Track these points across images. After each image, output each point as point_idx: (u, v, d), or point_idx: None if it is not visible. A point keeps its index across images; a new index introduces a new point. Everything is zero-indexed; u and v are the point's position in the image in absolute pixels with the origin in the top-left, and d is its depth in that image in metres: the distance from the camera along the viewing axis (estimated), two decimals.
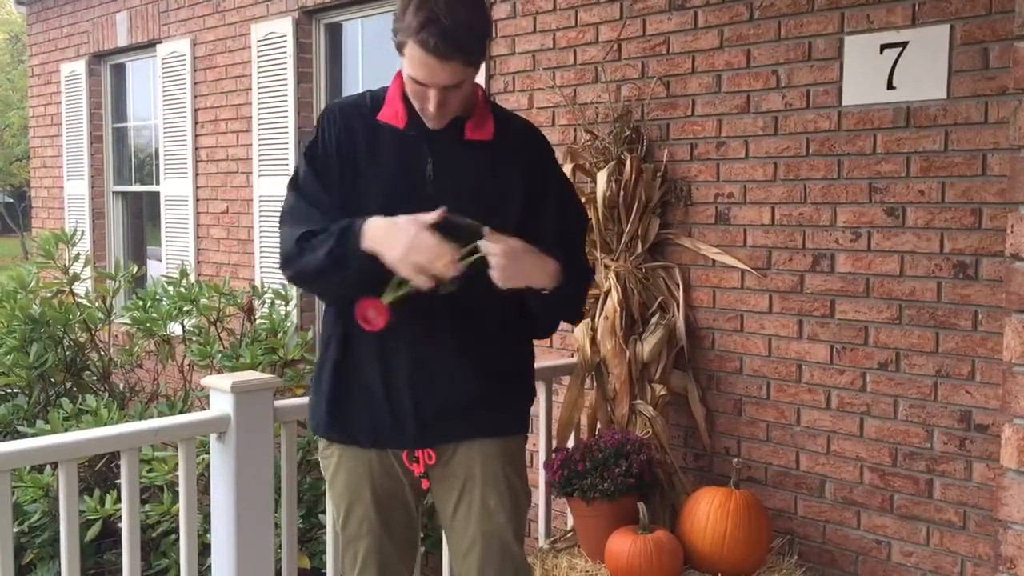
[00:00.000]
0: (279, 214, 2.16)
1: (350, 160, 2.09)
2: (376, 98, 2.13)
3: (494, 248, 1.94)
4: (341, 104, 2.18)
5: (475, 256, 1.93)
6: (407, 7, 1.91)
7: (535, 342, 2.33)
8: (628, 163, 3.37)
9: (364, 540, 2.20)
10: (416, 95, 2.01)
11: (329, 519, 2.75)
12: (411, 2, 1.91)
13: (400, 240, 1.93)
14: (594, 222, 3.40)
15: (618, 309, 3.33)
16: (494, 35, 3.99)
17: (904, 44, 2.86)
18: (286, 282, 4.45)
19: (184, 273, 4.33)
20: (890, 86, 2.90)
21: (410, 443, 2.14)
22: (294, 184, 2.14)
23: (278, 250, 2.15)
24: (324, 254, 1.99)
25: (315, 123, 2.18)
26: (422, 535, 2.51)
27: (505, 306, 2.12)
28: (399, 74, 2.11)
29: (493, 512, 2.14)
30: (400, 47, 1.96)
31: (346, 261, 1.98)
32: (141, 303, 4.18)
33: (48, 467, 3.36)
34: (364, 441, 2.16)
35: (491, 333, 2.12)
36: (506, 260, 1.94)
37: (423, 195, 2.05)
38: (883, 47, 2.90)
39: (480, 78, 4.02)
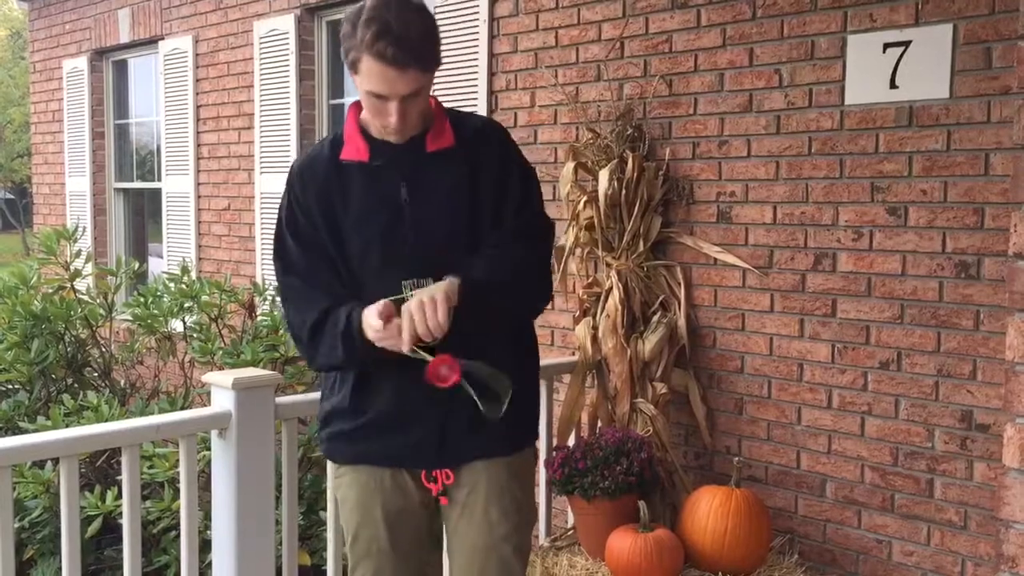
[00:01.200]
0: (279, 294, 2.18)
1: (326, 210, 2.09)
2: (335, 141, 2.14)
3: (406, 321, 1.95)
4: (300, 163, 2.18)
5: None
6: (356, 23, 1.91)
7: (537, 341, 2.32)
8: (630, 161, 3.37)
9: (373, 560, 2.17)
10: (376, 111, 2.00)
11: (330, 514, 2.75)
12: (360, 17, 1.91)
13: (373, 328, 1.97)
14: (596, 220, 3.40)
15: (619, 307, 3.33)
16: (496, 33, 3.99)
17: (907, 43, 2.86)
18: None
19: (185, 270, 4.32)
20: (893, 85, 2.90)
21: (431, 463, 2.14)
22: (282, 259, 2.15)
23: (292, 337, 2.22)
24: (341, 359, 2.07)
25: (284, 189, 2.17)
26: None
27: (505, 329, 2.14)
28: (352, 108, 2.13)
29: (495, 525, 2.13)
30: (354, 64, 1.95)
31: (362, 361, 2.06)
32: (142, 300, 4.18)
33: (49, 463, 3.36)
34: (380, 462, 2.16)
35: (499, 354, 2.09)
36: (419, 316, 1.92)
37: (403, 219, 2.07)
38: (886, 46, 2.90)
39: (482, 76, 4.02)
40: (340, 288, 2.09)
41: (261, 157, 5.30)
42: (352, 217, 2.08)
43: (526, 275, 2.14)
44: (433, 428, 2.11)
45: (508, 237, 2.10)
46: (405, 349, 1.94)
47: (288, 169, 2.20)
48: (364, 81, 1.95)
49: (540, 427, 3.30)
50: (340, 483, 2.24)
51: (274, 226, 2.19)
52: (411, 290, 2.02)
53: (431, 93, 2.09)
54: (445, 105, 2.16)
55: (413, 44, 1.90)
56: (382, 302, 1.96)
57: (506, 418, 2.06)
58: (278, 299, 4.19)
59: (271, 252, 2.19)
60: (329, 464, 2.30)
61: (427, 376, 1.95)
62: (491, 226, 2.08)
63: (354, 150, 2.09)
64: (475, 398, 1.97)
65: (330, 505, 2.75)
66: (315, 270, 2.10)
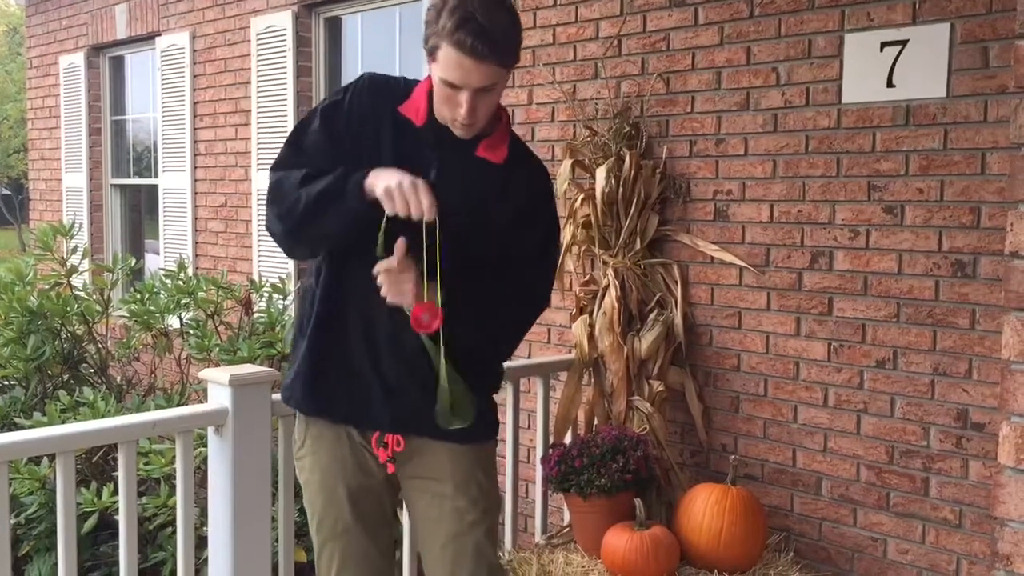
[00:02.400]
0: (279, 154, 2.11)
1: (359, 136, 2.07)
2: (404, 90, 2.12)
3: (384, 264, 1.95)
4: (373, 79, 2.14)
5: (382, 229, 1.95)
6: (441, 10, 1.90)
7: (530, 337, 2.32)
8: (627, 159, 3.37)
9: (340, 539, 2.18)
10: (447, 100, 1.98)
11: None
12: (444, 5, 1.90)
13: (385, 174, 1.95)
14: (593, 218, 3.40)
15: (616, 305, 3.33)
16: None
17: (904, 42, 2.86)
18: (284, 275, 4.45)
19: (182, 266, 4.31)
20: (890, 84, 2.90)
21: (384, 425, 2.13)
22: (297, 136, 2.11)
23: (267, 195, 2.10)
24: (323, 185, 1.98)
25: (345, 86, 2.14)
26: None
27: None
28: (429, 77, 2.11)
29: (464, 513, 2.14)
30: (433, 51, 1.94)
31: (344, 193, 1.97)
32: (139, 296, 4.17)
33: (45, 459, 3.36)
34: (336, 415, 2.15)
35: (468, 344, 2.10)
36: (386, 277, 1.95)
37: None
38: (883, 45, 2.90)
39: None
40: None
41: (258, 153, 5.29)
42: (376, 164, 2.04)
43: (507, 332, 2.18)
44: (389, 390, 2.11)
45: (509, 288, 2.12)
46: (417, 210, 1.90)
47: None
48: (440, 69, 1.94)
49: (537, 424, 3.33)
50: (302, 466, 2.23)
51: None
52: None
53: (505, 106, 2.08)
54: None
55: (494, 38, 1.89)
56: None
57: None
58: (275, 296, 4.19)
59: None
60: (293, 442, 2.29)
61: (411, 322, 1.96)
62: (497, 259, 2.07)
63: (413, 110, 2.07)
64: (437, 370, 1.99)
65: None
66: (319, 157, 2.05)
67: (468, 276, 2.03)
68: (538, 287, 2.22)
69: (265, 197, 2.12)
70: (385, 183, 1.92)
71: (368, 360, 2.11)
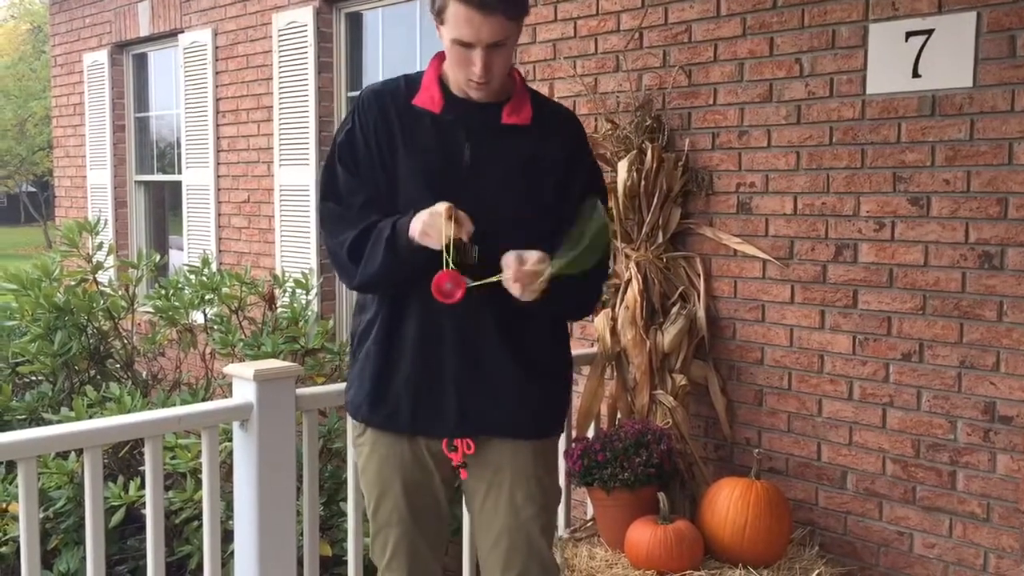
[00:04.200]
0: (318, 214, 2.17)
1: (385, 148, 2.08)
2: (411, 82, 2.12)
3: (508, 275, 1.96)
4: (375, 90, 2.16)
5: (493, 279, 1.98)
6: None
7: (569, 336, 2.32)
8: (649, 152, 3.36)
9: (395, 529, 2.21)
10: (460, 60, 1.98)
11: (351, 500, 2.77)
12: None
13: (423, 220, 1.97)
14: (615, 212, 3.39)
15: (639, 299, 3.32)
16: None
17: (930, 32, 2.83)
18: (306, 271, 4.47)
19: (206, 262, 4.34)
20: (915, 74, 2.87)
21: (451, 431, 2.14)
22: (325, 184, 2.14)
23: (330, 260, 2.19)
24: (381, 262, 2.03)
25: (350, 111, 2.16)
26: None
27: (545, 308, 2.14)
28: (435, 59, 2.11)
29: (521, 507, 2.15)
30: (440, 12, 1.95)
31: (403, 262, 2.02)
32: (163, 292, 4.20)
33: (73, 454, 3.39)
34: (403, 426, 2.16)
35: (535, 332, 2.12)
36: (519, 284, 1.96)
37: (460, 180, 2.05)
38: (908, 35, 2.87)
39: None
40: (381, 211, 2.06)
41: (280, 149, 5.31)
42: (411, 163, 2.07)
43: (596, 275, 2.16)
44: (454, 393, 2.11)
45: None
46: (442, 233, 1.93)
47: (358, 99, 2.16)
48: (450, 28, 1.94)
49: None
50: (360, 451, 2.25)
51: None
52: (455, 249, 1.99)
53: (516, 66, 2.08)
54: None
55: None
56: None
57: (532, 403, 2.08)
58: (298, 291, 4.21)
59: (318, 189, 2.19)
60: (349, 426, 2.31)
61: (433, 290, 1.95)
62: (546, 214, 2.07)
63: (428, 99, 2.08)
64: (495, 280, 1.97)
65: (350, 494, 2.76)
66: (356, 196, 2.08)
67: (531, 245, 2.01)
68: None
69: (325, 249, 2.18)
70: (418, 230, 1.95)
71: (432, 370, 2.11)
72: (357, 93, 5.06)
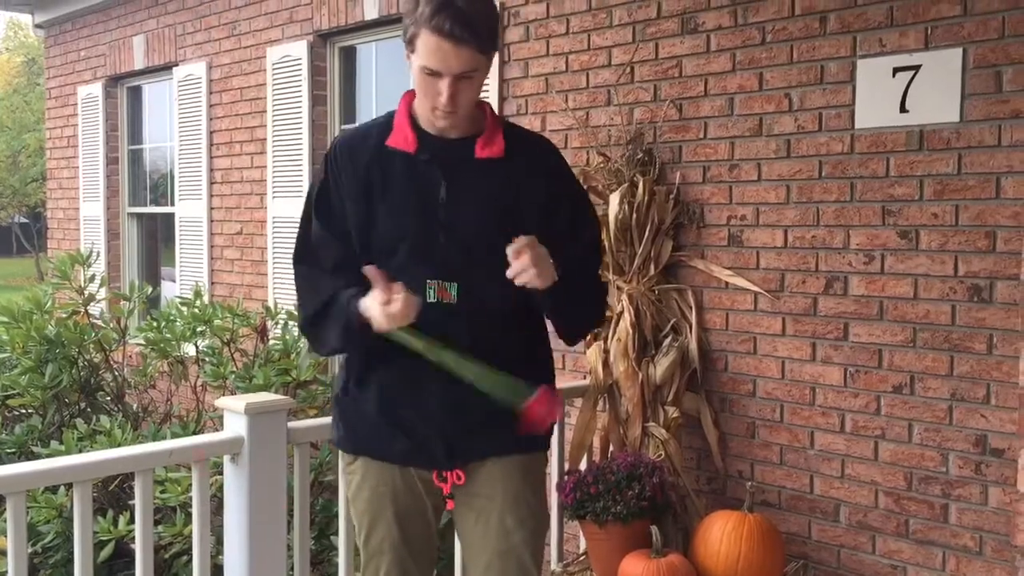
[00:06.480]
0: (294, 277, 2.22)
1: (361, 194, 2.09)
2: (382, 125, 2.14)
3: (519, 264, 1.96)
4: (345, 139, 2.18)
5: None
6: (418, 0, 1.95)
7: (551, 353, 2.32)
8: (641, 185, 3.38)
9: (386, 556, 2.21)
10: (427, 89, 1.99)
11: (342, 534, 2.75)
12: None
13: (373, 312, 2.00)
14: (607, 244, 3.41)
15: (631, 331, 3.33)
16: (507, 59, 4.02)
17: (917, 67, 2.86)
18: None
19: (198, 294, 4.34)
20: (903, 109, 2.90)
21: (440, 463, 2.15)
22: (302, 240, 2.16)
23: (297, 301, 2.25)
24: (337, 339, 2.11)
25: (322, 162, 2.17)
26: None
27: (524, 328, 2.16)
28: (405, 97, 2.13)
29: (511, 531, 2.15)
30: (412, 40, 1.98)
31: (358, 341, 2.08)
32: (155, 324, 4.19)
33: (62, 487, 3.37)
34: (396, 459, 2.17)
35: (514, 354, 2.12)
36: (536, 268, 1.95)
37: (438, 219, 2.07)
38: (896, 70, 2.91)
39: (493, 100, 4.04)
40: (350, 271, 2.07)
41: (273, 182, 5.33)
42: (386, 206, 2.08)
43: (597, 290, 2.27)
44: (440, 430, 2.12)
45: (583, 250, 2.18)
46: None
47: (331, 147, 2.18)
48: (420, 56, 1.96)
49: (552, 451, 3.31)
50: (351, 479, 2.25)
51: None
52: (435, 290, 2.04)
53: (486, 100, 2.11)
54: None
55: (472, 20, 1.92)
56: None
57: (512, 419, 2.08)
58: (290, 323, 4.21)
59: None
60: (340, 455, 2.31)
61: (531, 417, 2.01)
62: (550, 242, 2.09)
63: (402, 139, 2.09)
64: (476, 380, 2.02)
65: (342, 528, 2.75)
66: (328, 251, 2.11)
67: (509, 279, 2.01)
68: (596, 242, 2.31)
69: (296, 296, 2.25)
70: (372, 317, 1.98)
71: (417, 406, 2.12)
72: (351, 127, 5.12)
